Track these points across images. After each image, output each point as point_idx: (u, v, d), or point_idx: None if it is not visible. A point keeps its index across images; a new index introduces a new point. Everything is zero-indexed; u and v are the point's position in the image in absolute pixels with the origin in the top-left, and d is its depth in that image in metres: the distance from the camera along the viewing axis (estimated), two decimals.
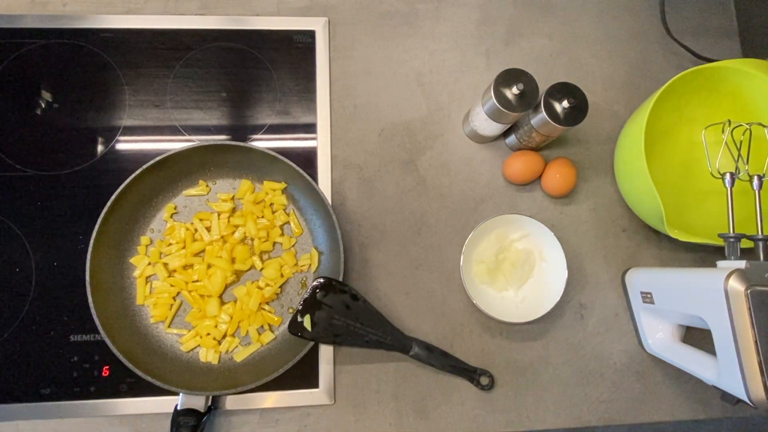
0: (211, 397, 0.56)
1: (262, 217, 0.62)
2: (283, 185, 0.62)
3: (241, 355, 0.59)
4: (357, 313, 0.57)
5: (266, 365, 0.57)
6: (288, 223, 0.62)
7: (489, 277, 0.62)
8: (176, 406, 0.55)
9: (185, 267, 0.60)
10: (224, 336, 0.59)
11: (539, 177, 0.66)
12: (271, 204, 0.62)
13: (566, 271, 0.59)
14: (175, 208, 0.62)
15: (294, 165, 0.58)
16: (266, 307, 0.60)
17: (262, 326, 0.60)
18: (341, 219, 0.64)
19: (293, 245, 0.62)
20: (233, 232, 0.61)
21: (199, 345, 0.59)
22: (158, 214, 0.62)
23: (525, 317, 0.59)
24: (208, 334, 0.59)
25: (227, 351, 0.59)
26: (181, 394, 0.55)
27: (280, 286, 0.61)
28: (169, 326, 0.59)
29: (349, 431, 0.60)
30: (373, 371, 0.61)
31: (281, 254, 0.62)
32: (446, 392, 0.61)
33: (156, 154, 0.58)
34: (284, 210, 0.62)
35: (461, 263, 0.59)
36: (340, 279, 0.57)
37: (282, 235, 0.62)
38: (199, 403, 0.55)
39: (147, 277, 0.60)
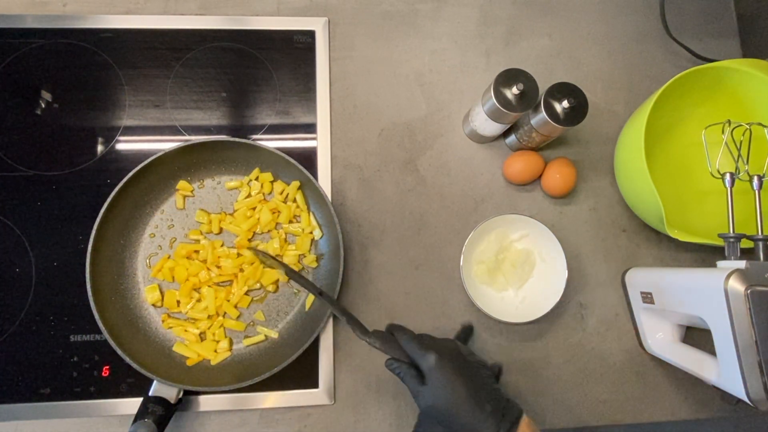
0: (182, 391, 0.56)
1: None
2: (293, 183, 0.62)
3: (217, 357, 0.59)
4: None
5: (247, 369, 0.57)
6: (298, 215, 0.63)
7: (489, 278, 0.62)
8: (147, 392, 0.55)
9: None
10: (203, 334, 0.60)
11: (539, 177, 0.66)
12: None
13: (566, 272, 0.59)
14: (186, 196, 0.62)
15: (296, 163, 0.58)
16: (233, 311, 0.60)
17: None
18: (341, 219, 0.64)
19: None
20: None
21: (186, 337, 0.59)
22: (157, 212, 0.62)
23: (525, 317, 0.59)
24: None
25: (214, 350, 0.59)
26: (155, 381, 0.55)
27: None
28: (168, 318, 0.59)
29: (348, 431, 0.60)
30: (373, 371, 0.61)
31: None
32: None
33: (155, 154, 0.57)
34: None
35: (461, 263, 0.59)
36: (340, 279, 0.57)
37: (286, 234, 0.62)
38: (170, 393, 0.55)
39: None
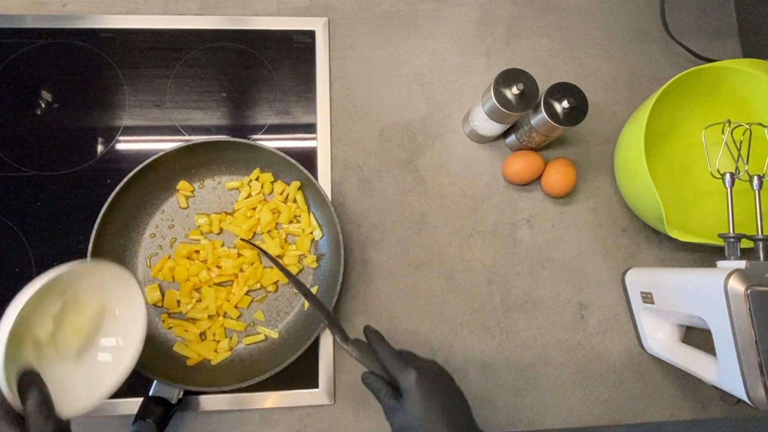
0: (182, 391, 0.56)
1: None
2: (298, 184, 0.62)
3: (218, 357, 0.59)
4: None
5: (247, 369, 0.57)
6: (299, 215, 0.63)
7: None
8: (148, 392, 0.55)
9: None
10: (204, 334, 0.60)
11: (539, 177, 0.66)
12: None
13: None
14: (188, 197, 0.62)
15: (297, 163, 0.58)
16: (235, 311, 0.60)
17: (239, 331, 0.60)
18: (341, 219, 0.64)
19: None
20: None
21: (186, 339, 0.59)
22: (158, 212, 0.62)
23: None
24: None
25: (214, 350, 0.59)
26: (155, 381, 0.55)
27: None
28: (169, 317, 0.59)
29: (348, 431, 0.60)
30: None
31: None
32: None
33: (156, 154, 0.57)
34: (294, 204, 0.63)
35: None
36: (340, 279, 0.57)
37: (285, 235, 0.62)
38: (170, 393, 0.55)
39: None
